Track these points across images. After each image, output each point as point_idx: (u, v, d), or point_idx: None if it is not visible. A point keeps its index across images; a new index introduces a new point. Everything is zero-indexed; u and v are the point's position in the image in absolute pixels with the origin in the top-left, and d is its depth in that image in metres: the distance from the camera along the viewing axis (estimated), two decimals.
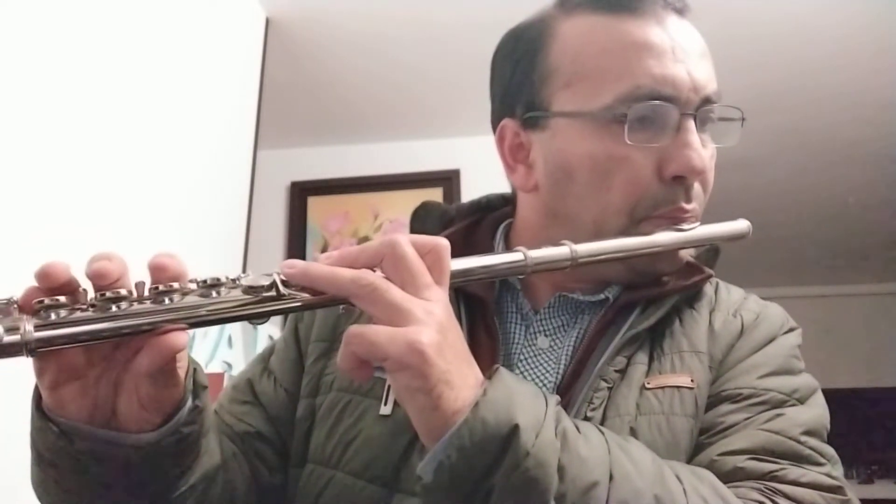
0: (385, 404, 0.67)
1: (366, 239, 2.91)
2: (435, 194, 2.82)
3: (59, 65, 1.31)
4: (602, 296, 0.72)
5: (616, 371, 0.65)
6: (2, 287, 0.49)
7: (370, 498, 0.64)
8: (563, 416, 0.53)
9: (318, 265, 0.52)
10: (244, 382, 0.78)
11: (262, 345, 2.13)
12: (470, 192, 2.78)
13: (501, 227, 0.81)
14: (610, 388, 0.65)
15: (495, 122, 0.76)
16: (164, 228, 1.62)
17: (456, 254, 0.55)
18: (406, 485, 0.63)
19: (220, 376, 1.85)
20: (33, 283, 0.48)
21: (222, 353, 1.95)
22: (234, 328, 2.04)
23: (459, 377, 0.49)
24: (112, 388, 0.52)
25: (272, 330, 2.29)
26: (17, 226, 1.18)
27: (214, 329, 1.94)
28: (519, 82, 0.73)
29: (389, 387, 0.67)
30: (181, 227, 1.71)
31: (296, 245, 2.93)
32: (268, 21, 2.24)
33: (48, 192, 1.26)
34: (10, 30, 1.21)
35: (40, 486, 0.58)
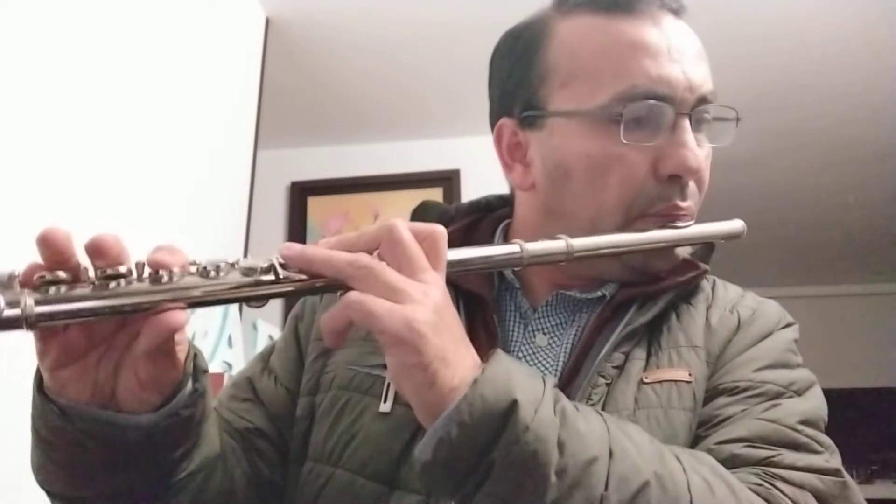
0: (384, 402, 0.67)
1: None
2: (435, 194, 2.82)
3: (59, 65, 1.31)
4: (599, 293, 0.73)
5: (614, 367, 0.66)
6: None
7: (370, 495, 0.65)
8: (560, 396, 0.53)
9: (315, 248, 0.52)
10: (244, 380, 0.78)
11: (261, 345, 2.14)
12: (470, 192, 2.78)
13: (500, 226, 0.81)
14: (608, 384, 0.65)
15: (493, 122, 0.77)
16: (164, 228, 1.62)
17: None
18: (406, 482, 0.64)
19: (220, 376, 1.85)
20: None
21: (222, 353, 1.95)
22: (234, 328, 2.04)
23: (455, 356, 0.50)
24: (112, 370, 0.53)
25: (272, 330, 2.29)
26: (18, 226, 1.18)
27: (214, 329, 1.94)
28: (516, 82, 0.73)
29: (389, 384, 0.68)
30: (181, 227, 1.71)
31: None
32: (268, 21, 2.25)
33: (49, 192, 1.27)
34: (10, 30, 1.21)
35: (40, 469, 0.59)
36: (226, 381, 1.85)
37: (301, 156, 3.03)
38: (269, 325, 2.30)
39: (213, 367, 1.88)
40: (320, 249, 0.52)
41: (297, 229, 2.97)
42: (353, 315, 0.49)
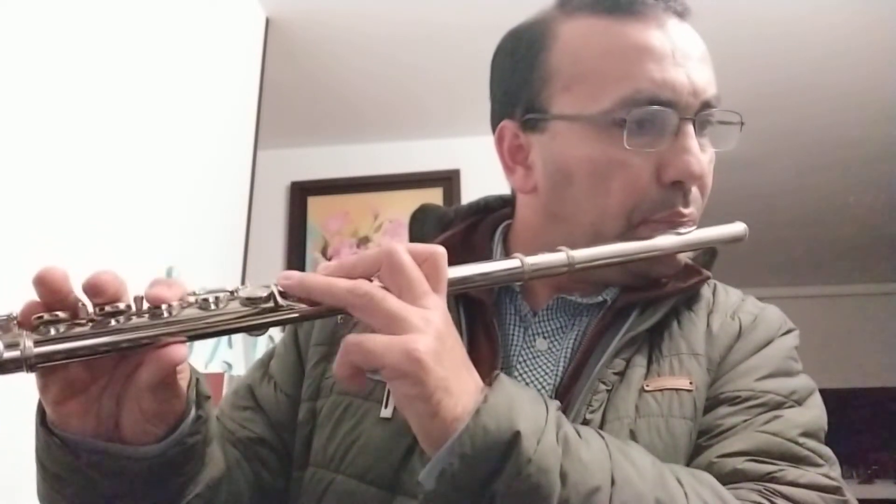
0: (385, 407, 0.67)
1: (366, 239, 2.91)
2: (435, 194, 2.81)
3: (59, 65, 1.31)
4: (600, 298, 0.72)
5: (615, 373, 0.65)
6: (2, 297, 0.49)
7: (371, 500, 0.64)
8: (563, 421, 0.53)
9: (314, 276, 0.52)
10: (245, 388, 0.78)
11: (262, 346, 2.13)
12: (470, 192, 2.78)
13: (500, 228, 0.81)
14: (609, 391, 0.65)
15: (495, 123, 0.76)
16: (164, 229, 1.62)
17: (454, 256, 0.56)
18: (407, 487, 0.63)
19: (220, 376, 1.85)
20: (33, 294, 0.48)
21: (222, 354, 1.95)
22: None
23: (458, 384, 0.49)
24: (115, 402, 0.52)
25: (272, 330, 2.29)
26: (16, 228, 1.18)
27: None
28: (519, 83, 0.73)
29: (390, 390, 0.67)
30: (181, 228, 1.71)
31: (296, 245, 2.93)
32: (268, 21, 2.24)
33: (48, 193, 1.26)
34: (10, 30, 1.21)
35: (46, 500, 0.59)
36: (226, 380, 1.86)
37: (301, 156, 3.03)
38: None
39: (213, 367, 1.88)
40: (320, 277, 0.52)
41: (297, 229, 2.96)
42: (353, 359, 0.49)
